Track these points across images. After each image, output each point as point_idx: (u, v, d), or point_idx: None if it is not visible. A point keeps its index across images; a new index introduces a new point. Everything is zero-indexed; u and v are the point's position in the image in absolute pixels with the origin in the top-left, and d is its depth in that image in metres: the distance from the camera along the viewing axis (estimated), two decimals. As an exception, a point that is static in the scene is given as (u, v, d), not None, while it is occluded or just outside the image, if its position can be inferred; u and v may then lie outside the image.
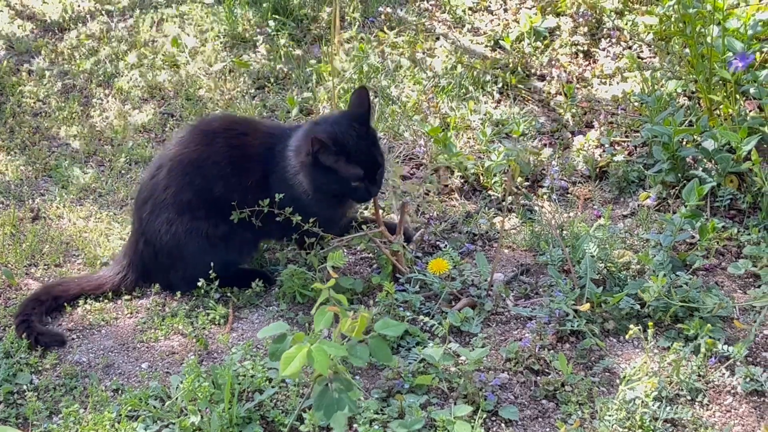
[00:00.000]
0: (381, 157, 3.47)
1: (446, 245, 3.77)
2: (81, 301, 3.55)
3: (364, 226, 3.73)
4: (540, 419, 2.95)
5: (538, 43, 5.40)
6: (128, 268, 3.61)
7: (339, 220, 3.73)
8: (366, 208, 4.00)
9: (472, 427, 2.78)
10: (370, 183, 3.42)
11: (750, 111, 4.35)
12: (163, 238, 3.50)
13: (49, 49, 5.59)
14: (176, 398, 2.90)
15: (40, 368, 3.21)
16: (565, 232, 3.81)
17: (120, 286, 3.60)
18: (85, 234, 4.01)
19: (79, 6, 6.09)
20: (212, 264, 3.45)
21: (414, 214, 4.03)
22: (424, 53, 5.38)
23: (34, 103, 5.11)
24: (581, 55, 5.39)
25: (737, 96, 4.24)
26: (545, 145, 4.66)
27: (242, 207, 3.40)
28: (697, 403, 2.96)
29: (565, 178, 4.37)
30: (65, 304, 3.53)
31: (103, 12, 5.95)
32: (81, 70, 5.38)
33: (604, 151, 4.49)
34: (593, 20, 5.46)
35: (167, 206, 3.49)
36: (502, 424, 2.91)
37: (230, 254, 3.55)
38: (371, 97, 3.54)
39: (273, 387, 2.94)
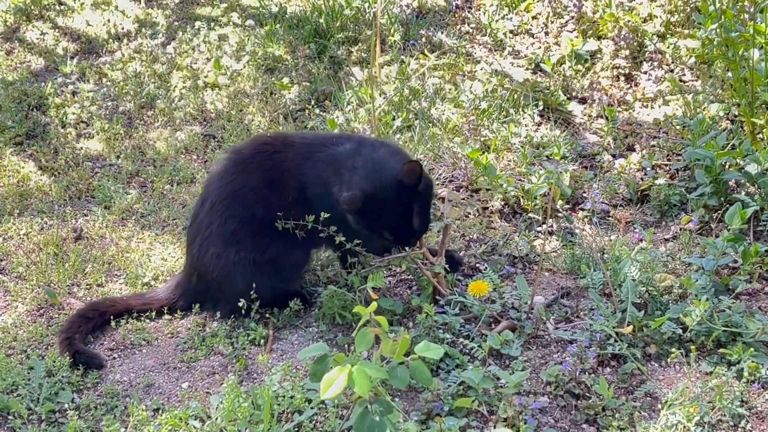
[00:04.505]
0: None
1: (486, 267, 3.76)
2: (123, 321, 3.57)
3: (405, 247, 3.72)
4: (580, 443, 2.93)
5: (579, 66, 5.40)
6: (180, 297, 3.66)
7: None
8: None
9: (512, 450, 2.77)
10: None
11: (793, 135, 4.32)
12: (213, 272, 3.52)
13: (92, 70, 5.65)
14: (216, 418, 2.90)
15: (81, 387, 3.23)
16: (606, 255, 3.79)
17: (166, 308, 3.64)
18: (127, 254, 4.04)
19: (122, 28, 6.16)
20: (258, 288, 3.47)
21: (453, 238, 4.02)
22: (464, 76, 5.39)
23: (78, 123, 5.16)
24: (623, 78, 5.37)
25: (780, 120, 4.22)
26: (586, 168, 4.64)
27: (288, 221, 3.41)
28: (740, 429, 2.93)
29: (606, 201, 4.36)
30: (111, 319, 3.56)
31: (146, 34, 6.01)
32: (124, 92, 5.44)
33: (645, 174, 4.47)
34: (635, 43, 5.45)
35: (213, 241, 3.51)
36: (542, 448, 2.90)
37: (279, 279, 3.54)
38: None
39: (312, 408, 2.94)
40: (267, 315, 3.57)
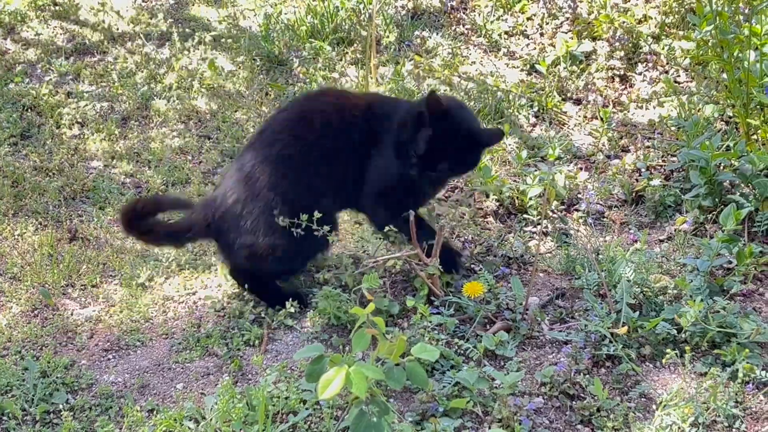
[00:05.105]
0: None
1: (481, 268, 3.76)
2: (118, 321, 3.56)
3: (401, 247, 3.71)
4: (575, 444, 2.93)
5: (574, 67, 5.41)
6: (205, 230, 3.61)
7: None
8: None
9: (507, 451, 2.77)
10: None
11: (788, 136, 4.33)
12: (241, 215, 3.49)
13: (88, 71, 5.64)
14: (210, 419, 2.90)
15: (76, 388, 3.22)
16: (600, 256, 3.79)
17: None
18: (122, 255, 4.04)
19: (118, 29, 6.15)
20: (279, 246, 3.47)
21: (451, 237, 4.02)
22: (459, 77, 5.39)
23: (73, 124, 5.15)
24: (617, 79, 5.38)
25: (775, 121, 4.23)
26: (581, 169, 4.65)
27: (349, 163, 3.51)
28: (734, 430, 2.93)
29: (600, 202, 4.36)
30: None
31: (142, 35, 6.01)
32: (119, 93, 5.43)
33: (640, 175, 4.48)
34: (630, 45, 5.46)
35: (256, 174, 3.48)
36: (537, 449, 2.90)
37: (305, 246, 3.47)
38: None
39: (307, 409, 2.94)
40: (262, 315, 3.56)
